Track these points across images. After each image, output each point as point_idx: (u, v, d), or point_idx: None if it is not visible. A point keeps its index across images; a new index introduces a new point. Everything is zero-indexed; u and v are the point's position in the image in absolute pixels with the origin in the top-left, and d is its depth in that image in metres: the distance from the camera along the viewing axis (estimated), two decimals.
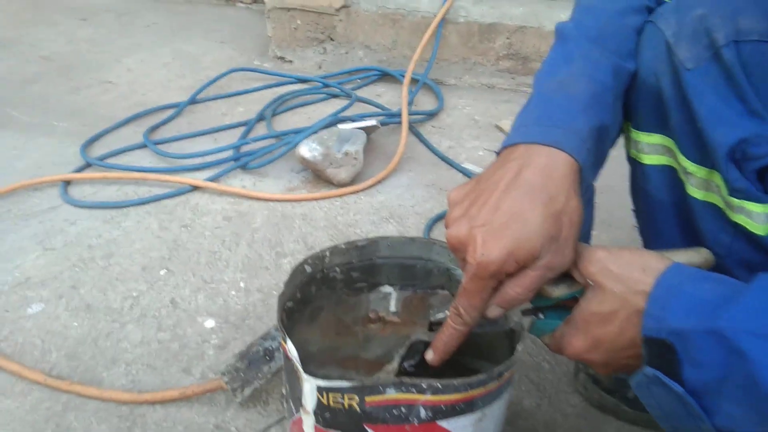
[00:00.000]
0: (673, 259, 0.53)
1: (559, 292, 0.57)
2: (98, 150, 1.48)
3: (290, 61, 2.02)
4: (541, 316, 0.60)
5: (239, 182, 1.38)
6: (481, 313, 0.55)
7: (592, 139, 0.56)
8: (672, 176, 0.64)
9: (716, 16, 0.55)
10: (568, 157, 0.53)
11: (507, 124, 1.65)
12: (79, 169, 1.40)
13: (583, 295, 0.55)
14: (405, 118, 1.56)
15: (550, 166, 0.52)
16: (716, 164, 0.56)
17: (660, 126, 0.63)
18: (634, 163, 0.68)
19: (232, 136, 1.56)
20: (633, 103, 0.64)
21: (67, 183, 1.34)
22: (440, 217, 1.26)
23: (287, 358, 0.60)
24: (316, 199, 1.33)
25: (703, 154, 0.58)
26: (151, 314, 1.00)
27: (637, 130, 0.65)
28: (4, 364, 0.88)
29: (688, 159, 0.60)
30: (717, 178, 0.58)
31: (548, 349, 0.72)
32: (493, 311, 0.55)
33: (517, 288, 0.52)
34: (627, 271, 0.51)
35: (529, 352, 0.95)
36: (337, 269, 0.74)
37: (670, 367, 0.48)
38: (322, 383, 0.55)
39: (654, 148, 0.64)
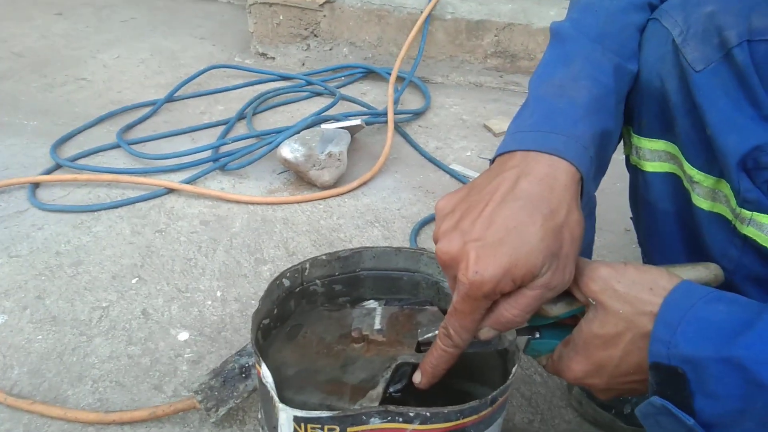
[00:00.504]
0: (682, 276, 0.49)
1: (557, 310, 0.53)
2: (70, 150, 1.42)
3: (272, 58, 1.96)
4: (537, 335, 0.56)
5: (218, 184, 1.32)
6: (472, 334, 0.51)
7: (595, 147, 0.52)
8: (676, 185, 0.60)
9: (728, 14, 0.51)
10: (570, 166, 0.48)
11: (495, 124, 1.61)
12: (49, 171, 1.33)
13: (585, 315, 0.51)
14: (391, 117, 1.51)
15: (550, 175, 0.47)
16: (726, 173, 0.52)
17: (664, 131, 0.58)
18: (635, 171, 0.63)
19: (211, 136, 1.50)
20: (635, 107, 0.60)
21: (36, 185, 1.27)
22: (427, 222, 1.22)
23: (262, 383, 0.55)
24: (298, 202, 1.27)
25: (710, 162, 0.54)
26: (121, 326, 0.94)
27: (639, 135, 0.61)
28: None
29: (694, 167, 0.56)
30: (725, 188, 0.54)
31: (545, 370, 0.67)
32: (486, 333, 0.51)
33: (513, 309, 0.48)
34: (633, 291, 0.47)
35: (521, 364, 0.90)
36: (318, 282, 0.69)
37: (680, 396, 0.44)
38: (300, 413, 0.50)
39: (657, 154, 0.60)
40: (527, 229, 0.45)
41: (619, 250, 1.17)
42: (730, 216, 0.54)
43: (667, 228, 0.61)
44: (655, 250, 0.65)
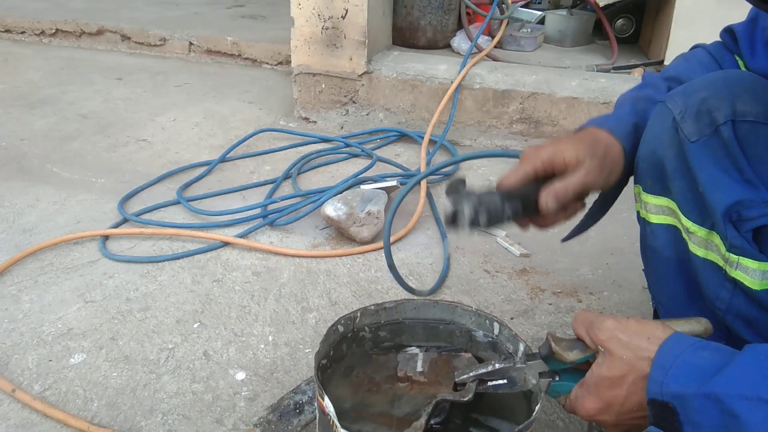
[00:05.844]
0: (676, 329, 0.59)
1: (573, 356, 0.64)
2: (134, 206, 1.58)
3: (314, 122, 2.13)
4: (557, 378, 0.66)
5: (267, 238, 1.45)
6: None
7: (631, 133, 0.76)
8: (676, 235, 0.72)
9: (717, 99, 0.65)
10: (612, 136, 0.75)
11: None
12: (117, 225, 1.48)
13: (595, 360, 0.61)
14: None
15: (598, 134, 0.75)
16: (715, 223, 0.64)
17: (665, 190, 0.72)
18: (644, 223, 0.76)
19: (260, 194, 1.65)
20: (642, 170, 0.73)
21: (106, 238, 1.42)
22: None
23: (323, 413, 0.66)
24: (339, 256, 1.39)
25: (703, 216, 0.67)
26: (185, 366, 1.06)
27: (646, 192, 0.74)
28: (50, 413, 0.94)
29: (690, 220, 0.68)
30: (716, 238, 0.66)
31: (564, 410, 0.77)
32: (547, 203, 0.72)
33: (563, 182, 0.70)
34: (634, 340, 0.58)
35: (545, 410, 0.99)
36: (366, 329, 0.80)
37: (672, 427, 0.53)
38: None
39: (660, 209, 0.72)
40: (579, 143, 0.73)
41: (638, 307, 1.25)
42: (721, 263, 0.66)
43: (670, 273, 0.73)
44: (661, 292, 0.77)
